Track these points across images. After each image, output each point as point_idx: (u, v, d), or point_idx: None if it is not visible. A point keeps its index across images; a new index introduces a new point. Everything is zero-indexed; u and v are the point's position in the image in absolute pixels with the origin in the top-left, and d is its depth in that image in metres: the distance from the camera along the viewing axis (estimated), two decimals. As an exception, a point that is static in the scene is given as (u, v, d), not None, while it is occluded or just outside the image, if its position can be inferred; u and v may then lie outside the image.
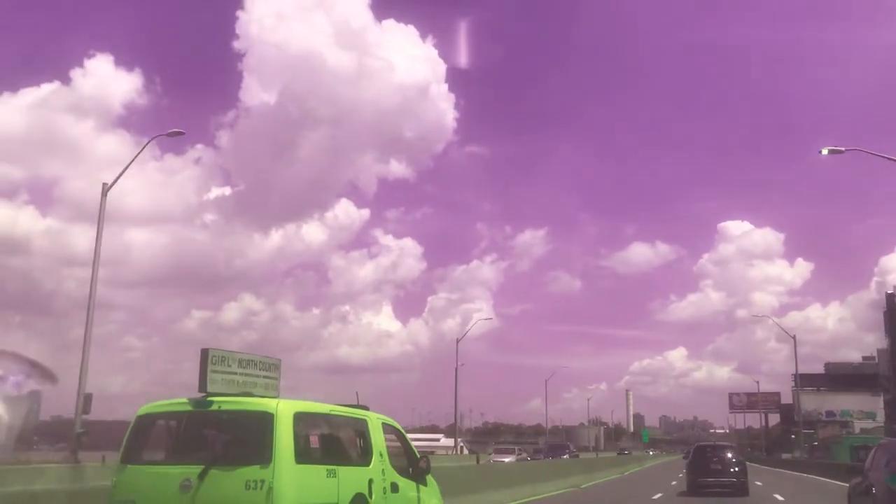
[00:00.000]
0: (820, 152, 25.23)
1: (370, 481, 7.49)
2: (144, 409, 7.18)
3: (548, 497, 20.82)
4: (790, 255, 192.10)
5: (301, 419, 6.85)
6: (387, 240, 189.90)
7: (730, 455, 22.48)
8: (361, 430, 7.92)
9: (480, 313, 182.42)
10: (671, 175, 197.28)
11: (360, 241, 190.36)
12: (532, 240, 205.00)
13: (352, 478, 7.21)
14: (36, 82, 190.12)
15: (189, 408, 6.96)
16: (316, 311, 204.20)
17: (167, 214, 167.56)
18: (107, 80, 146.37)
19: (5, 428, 4.58)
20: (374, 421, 8.19)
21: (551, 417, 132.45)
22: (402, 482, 8.20)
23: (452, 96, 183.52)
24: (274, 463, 6.31)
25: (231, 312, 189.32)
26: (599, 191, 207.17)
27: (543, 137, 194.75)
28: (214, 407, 6.85)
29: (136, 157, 26.12)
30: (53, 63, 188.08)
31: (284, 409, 6.67)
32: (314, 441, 7.07)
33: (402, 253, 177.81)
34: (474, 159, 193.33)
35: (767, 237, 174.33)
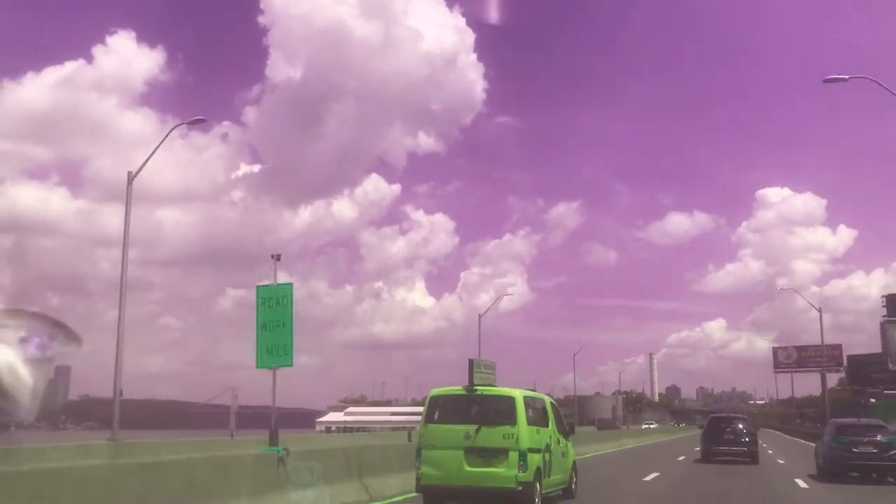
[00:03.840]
0: (823, 81, 23.68)
1: (550, 436, 11.86)
2: (434, 392, 11.61)
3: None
4: (832, 221, 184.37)
5: (525, 400, 11.30)
6: (418, 215, 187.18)
7: (741, 426, 24.56)
8: (543, 405, 12.34)
9: (514, 288, 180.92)
10: (709, 141, 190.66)
11: (391, 216, 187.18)
12: (566, 212, 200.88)
13: (544, 434, 11.62)
14: (59, 60, 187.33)
15: (463, 392, 11.41)
16: (349, 289, 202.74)
17: (196, 193, 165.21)
18: (129, 57, 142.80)
19: (29, 390, 4.35)
20: (547, 400, 12.81)
21: (571, 388, 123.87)
22: (561, 438, 12.56)
23: (482, 66, 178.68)
24: (517, 424, 10.69)
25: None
26: (635, 160, 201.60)
27: (576, 108, 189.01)
28: (479, 392, 11.45)
29: (158, 145, 26.32)
30: (76, 40, 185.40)
31: (519, 394, 11.20)
32: (530, 412, 11.22)
33: (434, 228, 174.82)
34: (505, 130, 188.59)
35: (809, 203, 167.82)
